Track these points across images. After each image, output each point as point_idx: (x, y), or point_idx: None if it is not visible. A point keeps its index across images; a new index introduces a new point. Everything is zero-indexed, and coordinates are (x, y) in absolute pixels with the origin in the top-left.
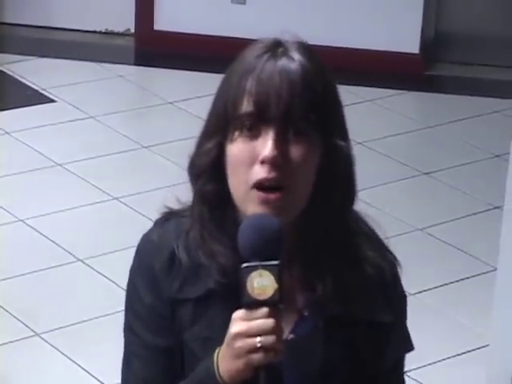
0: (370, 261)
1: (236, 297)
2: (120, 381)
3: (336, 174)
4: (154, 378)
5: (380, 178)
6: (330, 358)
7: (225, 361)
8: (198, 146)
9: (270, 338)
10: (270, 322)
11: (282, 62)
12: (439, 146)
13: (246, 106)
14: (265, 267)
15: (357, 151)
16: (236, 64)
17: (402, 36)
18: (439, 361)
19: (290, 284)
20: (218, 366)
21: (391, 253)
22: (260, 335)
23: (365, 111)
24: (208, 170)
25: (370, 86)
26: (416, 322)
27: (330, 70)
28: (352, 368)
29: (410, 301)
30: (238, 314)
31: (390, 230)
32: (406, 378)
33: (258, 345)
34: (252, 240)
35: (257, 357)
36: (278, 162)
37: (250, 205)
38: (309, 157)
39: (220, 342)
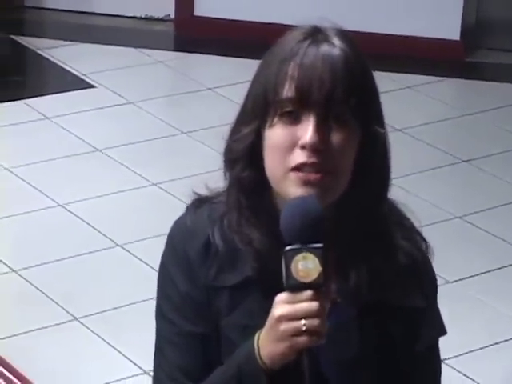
0: (403, 248)
1: (274, 284)
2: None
3: (374, 162)
4: (190, 365)
5: (419, 165)
6: (364, 344)
7: (267, 344)
8: (235, 132)
9: (315, 321)
10: (314, 304)
11: (324, 48)
12: (479, 133)
13: (288, 91)
14: (309, 250)
15: (396, 138)
16: (276, 49)
17: (443, 22)
18: (478, 349)
19: None
20: (259, 349)
21: (423, 238)
22: (305, 318)
23: (404, 98)
24: (245, 155)
25: (410, 73)
26: (455, 310)
27: (367, 56)
28: (386, 354)
29: (448, 289)
30: (282, 296)
31: (428, 218)
32: (445, 366)
33: (303, 328)
34: (295, 223)
35: (301, 340)
36: (318, 147)
37: (289, 187)
38: (348, 143)
39: (259, 330)
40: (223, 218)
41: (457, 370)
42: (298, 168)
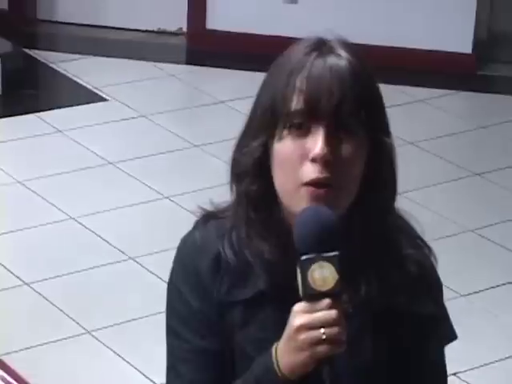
0: (411, 256)
1: (286, 296)
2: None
3: (381, 171)
4: (203, 381)
5: (432, 178)
6: (376, 352)
7: (287, 355)
8: (242, 145)
9: (335, 329)
10: (333, 313)
11: (331, 60)
12: (491, 146)
13: (296, 104)
14: (325, 258)
15: (408, 151)
16: (282, 62)
17: (455, 36)
18: (489, 363)
19: None
20: (277, 360)
21: (427, 244)
22: (324, 327)
23: (417, 111)
24: (253, 169)
25: (422, 86)
26: (467, 324)
27: (371, 66)
28: (398, 361)
29: (461, 302)
30: (300, 306)
31: (441, 231)
32: (457, 380)
33: (323, 337)
34: (310, 232)
35: (321, 349)
36: (328, 159)
37: (299, 201)
38: (358, 154)
39: (274, 342)
40: (231, 232)
41: None
42: (309, 184)
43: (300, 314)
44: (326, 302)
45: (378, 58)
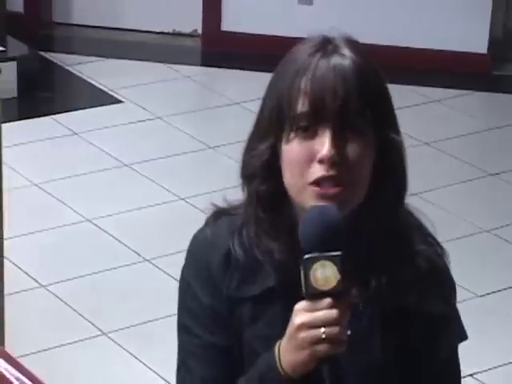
0: (422, 254)
1: (295, 294)
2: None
3: (391, 169)
4: (213, 377)
5: (446, 178)
6: (385, 351)
7: (288, 353)
8: (250, 148)
9: (335, 329)
10: (333, 312)
11: (335, 60)
12: (506, 146)
13: (302, 106)
14: (327, 258)
15: (423, 152)
16: (287, 63)
17: (470, 36)
18: (505, 364)
19: None
20: (279, 358)
21: (439, 244)
22: (324, 326)
23: (432, 111)
24: (262, 171)
25: (438, 87)
26: (482, 325)
27: (378, 64)
28: (408, 361)
29: (477, 303)
30: (301, 305)
31: (456, 232)
32: (474, 381)
33: (323, 336)
34: (314, 231)
35: (321, 348)
36: (336, 160)
37: (308, 200)
38: (365, 152)
39: (281, 339)
40: (242, 229)
41: None
42: (316, 182)
43: (301, 313)
44: (327, 301)
45: (392, 58)
